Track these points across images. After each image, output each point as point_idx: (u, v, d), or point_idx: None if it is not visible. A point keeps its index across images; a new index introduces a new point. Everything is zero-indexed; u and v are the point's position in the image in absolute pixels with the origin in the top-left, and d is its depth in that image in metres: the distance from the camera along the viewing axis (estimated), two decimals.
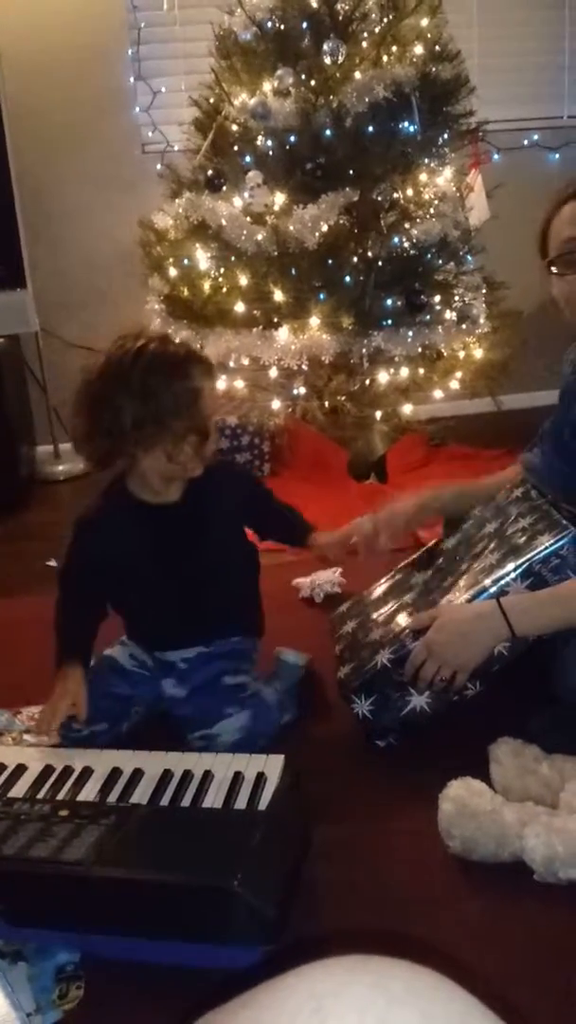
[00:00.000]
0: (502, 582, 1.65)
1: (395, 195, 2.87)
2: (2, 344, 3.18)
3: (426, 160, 2.96)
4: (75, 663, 1.74)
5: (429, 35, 2.86)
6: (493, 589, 1.65)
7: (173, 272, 3.04)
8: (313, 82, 2.81)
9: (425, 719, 1.70)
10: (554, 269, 1.74)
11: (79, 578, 1.79)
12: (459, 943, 1.31)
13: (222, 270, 2.91)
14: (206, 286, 2.95)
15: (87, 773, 1.55)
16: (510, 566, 1.66)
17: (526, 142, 3.66)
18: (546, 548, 1.63)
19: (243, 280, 2.87)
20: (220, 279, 2.92)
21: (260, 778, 1.51)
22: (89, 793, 1.49)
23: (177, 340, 1.73)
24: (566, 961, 1.28)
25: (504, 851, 1.41)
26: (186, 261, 3.00)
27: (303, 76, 2.82)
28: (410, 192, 2.94)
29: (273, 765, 1.54)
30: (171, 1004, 1.24)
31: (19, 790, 1.52)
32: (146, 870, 1.26)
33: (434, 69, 2.83)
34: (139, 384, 1.58)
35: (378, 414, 3.06)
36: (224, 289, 2.91)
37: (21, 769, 1.58)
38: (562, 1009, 1.20)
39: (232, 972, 1.23)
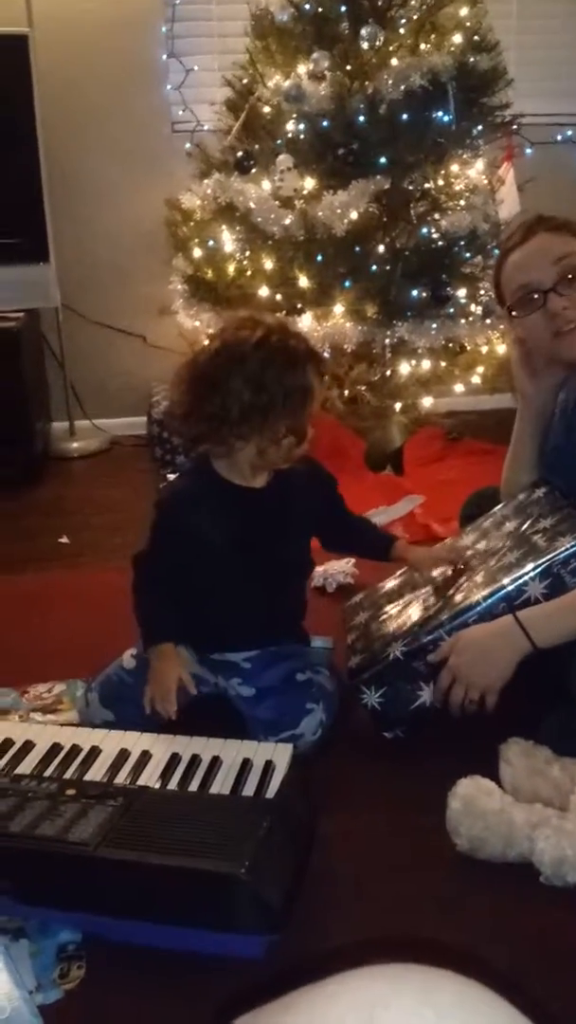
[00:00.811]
0: (520, 581, 1.63)
1: (426, 185, 2.85)
2: (22, 318, 3.16)
3: (459, 151, 2.93)
4: (168, 643, 1.69)
5: (468, 24, 2.83)
6: (511, 588, 1.63)
7: (198, 253, 3.02)
8: (349, 67, 2.78)
9: (435, 712, 1.69)
10: (515, 313, 1.82)
11: (166, 556, 1.71)
12: (465, 942, 1.30)
13: (247, 253, 2.90)
14: (230, 269, 2.93)
15: (95, 753, 1.55)
16: (529, 566, 1.64)
17: (559, 138, 3.62)
18: (567, 549, 1.62)
19: (268, 264, 2.85)
20: (245, 262, 2.91)
21: (268, 766, 1.50)
22: (97, 773, 1.49)
23: (296, 331, 1.67)
24: (573, 962, 1.27)
25: (511, 851, 1.40)
26: (211, 243, 2.98)
27: (339, 60, 2.79)
28: (441, 182, 2.91)
29: (282, 753, 1.53)
30: (172, 988, 1.24)
31: (26, 767, 1.51)
32: (153, 854, 1.25)
33: (472, 59, 2.79)
34: (255, 373, 1.54)
35: (397, 405, 3.04)
36: (248, 272, 2.90)
37: (28, 746, 1.57)
38: (572, 1010, 1.19)
39: (257, 972, 1.23)
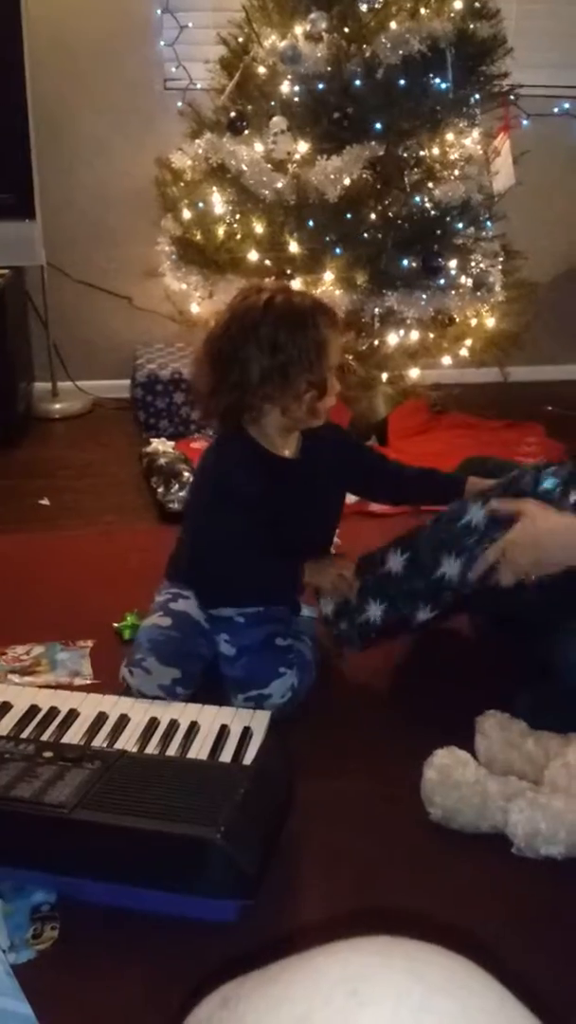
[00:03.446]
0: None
1: (421, 153, 2.81)
2: (7, 276, 3.11)
3: (455, 119, 2.88)
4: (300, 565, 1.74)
5: None
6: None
7: (187, 214, 2.97)
8: (347, 29, 2.73)
9: (377, 631, 1.77)
10: None
11: (238, 520, 1.72)
12: (436, 909, 1.32)
13: (238, 216, 2.85)
14: (220, 231, 2.88)
15: (72, 716, 1.55)
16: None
17: (556, 110, 3.57)
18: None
19: (259, 228, 2.80)
20: (235, 225, 2.86)
21: (246, 732, 1.51)
22: (74, 736, 1.49)
23: (299, 291, 1.78)
24: (546, 929, 1.29)
25: (484, 823, 1.42)
26: (201, 204, 2.93)
27: (336, 22, 2.74)
28: (436, 151, 2.87)
29: (259, 720, 1.54)
30: (145, 950, 1.25)
31: (3, 728, 1.51)
32: (129, 817, 1.25)
33: (472, 26, 2.74)
34: (268, 337, 1.61)
35: (384, 376, 3.02)
36: (238, 236, 2.85)
37: (6, 707, 1.57)
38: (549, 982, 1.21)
39: (231, 936, 1.24)
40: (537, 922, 1.32)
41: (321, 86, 2.75)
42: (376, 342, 2.90)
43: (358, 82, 2.73)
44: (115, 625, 2.00)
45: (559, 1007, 1.09)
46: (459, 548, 1.65)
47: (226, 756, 1.45)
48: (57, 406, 3.45)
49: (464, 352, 3.02)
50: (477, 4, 2.77)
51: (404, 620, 1.75)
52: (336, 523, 1.95)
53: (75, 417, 3.43)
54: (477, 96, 2.89)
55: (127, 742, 1.48)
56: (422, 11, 2.74)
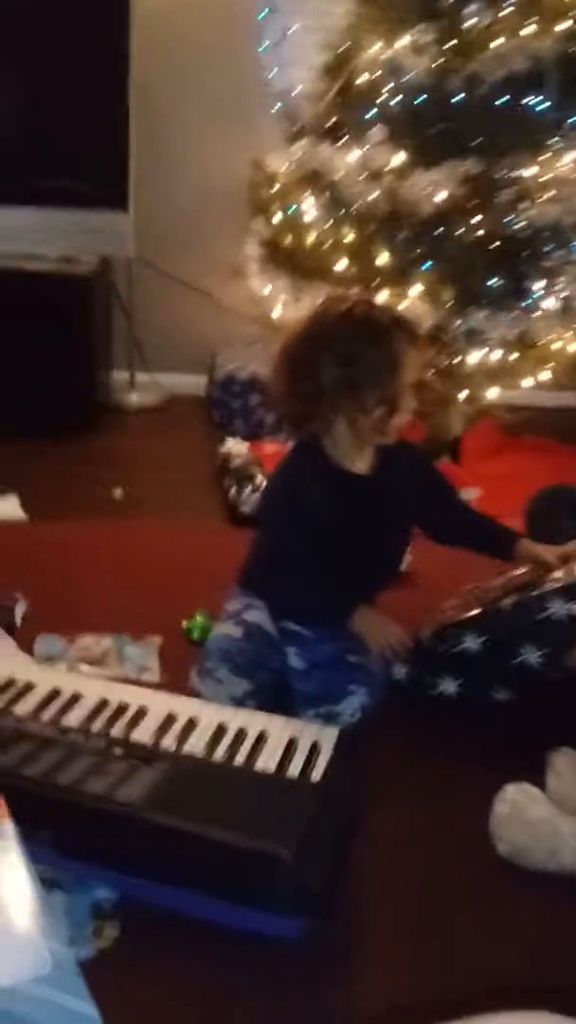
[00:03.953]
0: (543, 594, 1.64)
1: (516, 172, 2.77)
2: (96, 265, 3.14)
3: (553, 141, 2.85)
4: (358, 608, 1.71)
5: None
6: (534, 602, 1.64)
7: (278, 218, 2.98)
8: (452, 43, 2.71)
9: (454, 706, 1.72)
10: None
11: (311, 531, 1.70)
12: (501, 949, 1.30)
13: (329, 223, 2.84)
14: (310, 238, 2.88)
15: (142, 713, 1.56)
16: (561, 583, 1.65)
17: None
18: None
19: (349, 237, 2.80)
20: (325, 232, 2.85)
21: (315, 748, 1.50)
22: (143, 734, 1.50)
23: (382, 304, 1.76)
24: None
25: (553, 862, 1.39)
26: (293, 208, 2.93)
27: (442, 36, 2.72)
28: (531, 172, 2.83)
29: (328, 736, 1.54)
30: (203, 961, 1.24)
31: (74, 719, 1.52)
32: (200, 824, 1.25)
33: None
34: (342, 347, 1.59)
35: (462, 394, 2.99)
36: (328, 243, 2.85)
37: (76, 698, 1.58)
38: None
39: (290, 953, 1.23)
40: None
41: (422, 99, 2.74)
42: (457, 360, 2.88)
43: (459, 97, 2.71)
44: (184, 624, 2.00)
45: None
46: (541, 640, 1.62)
47: (294, 770, 1.45)
48: (134, 397, 3.47)
49: (545, 376, 2.98)
50: None
51: (482, 698, 1.71)
52: (406, 546, 1.92)
53: (150, 410, 3.46)
54: (574, 118, 2.86)
55: (195, 746, 1.49)
56: (527, 30, 2.71)
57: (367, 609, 1.72)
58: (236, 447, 2.86)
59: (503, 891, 1.40)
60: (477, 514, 1.93)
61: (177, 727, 1.52)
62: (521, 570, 1.95)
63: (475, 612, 1.74)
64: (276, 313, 3.06)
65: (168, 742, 1.48)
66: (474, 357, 2.86)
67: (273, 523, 1.81)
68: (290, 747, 1.49)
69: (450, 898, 1.39)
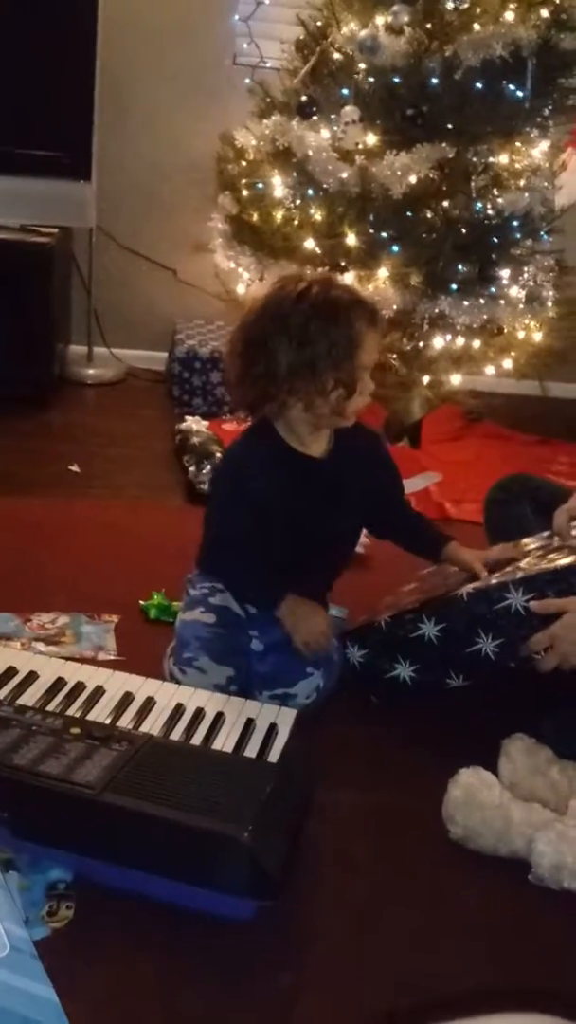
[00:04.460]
0: (504, 587, 1.64)
1: (490, 159, 2.77)
2: (56, 236, 3.08)
3: (527, 129, 2.85)
4: (289, 596, 1.69)
5: (557, 0, 2.73)
6: (494, 592, 1.65)
7: (245, 194, 2.94)
8: (429, 25, 2.69)
9: (407, 691, 1.73)
10: None
11: (248, 518, 1.69)
12: (451, 933, 1.31)
13: (297, 201, 2.82)
14: (278, 215, 2.85)
15: (99, 693, 1.53)
16: (520, 575, 1.66)
17: None
18: (555, 570, 1.62)
19: (317, 216, 2.78)
20: (294, 210, 2.83)
21: (272, 729, 1.50)
22: (100, 713, 1.48)
23: (341, 284, 1.67)
24: (557, 958, 1.29)
25: (504, 847, 1.41)
26: (261, 185, 2.90)
27: (420, 17, 2.70)
28: (504, 159, 2.84)
29: (286, 718, 1.53)
30: (158, 940, 1.24)
31: (30, 698, 1.49)
32: (157, 805, 1.24)
33: (556, 36, 2.71)
34: (299, 328, 1.55)
35: (425, 379, 2.99)
36: (296, 221, 2.82)
37: (32, 677, 1.55)
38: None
39: (245, 932, 1.22)
40: (547, 951, 1.31)
41: (397, 80, 2.72)
42: (421, 344, 2.88)
43: (435, 80, 2.70)
44: (141, 603, 1.98)
45: None
46: (497, 629, 1.63)
47: (251, 750, 1.44)
48: (91, 371, 3.42)
49: (508, 364, 3.00)
50: (564, 16, 2.73)
51: (435, 684, 1.72)
52: (360, 529, 1.92)
53: (108, 384, 3.41)
54: (551, 107, 2.86)
55: (152, 726, 1.47)
56: (507, 16, 2.70)
57: (296, 599, 1.69)
58: (196, 424, 2.83)
59: (454, 874, 1.41)
60: (414, 513, 1.92)
61: (134, 707, 1.50)
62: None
63: (433, 599, 1.75)
64: (240, 290, 3.03)
65: (126, 722, 1.46)
66: (439, 342, 2.87)
67: (215, 505, 1.79)
68: (248, 728, 1.49)
69: (402, 880, 1.40)
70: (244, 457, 1.72)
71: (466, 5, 2.65)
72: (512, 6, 2.68)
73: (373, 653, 1.76)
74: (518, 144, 2.84)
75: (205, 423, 2.89)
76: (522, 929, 1.34)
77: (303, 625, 1.67)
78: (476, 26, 2.66)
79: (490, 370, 3.02)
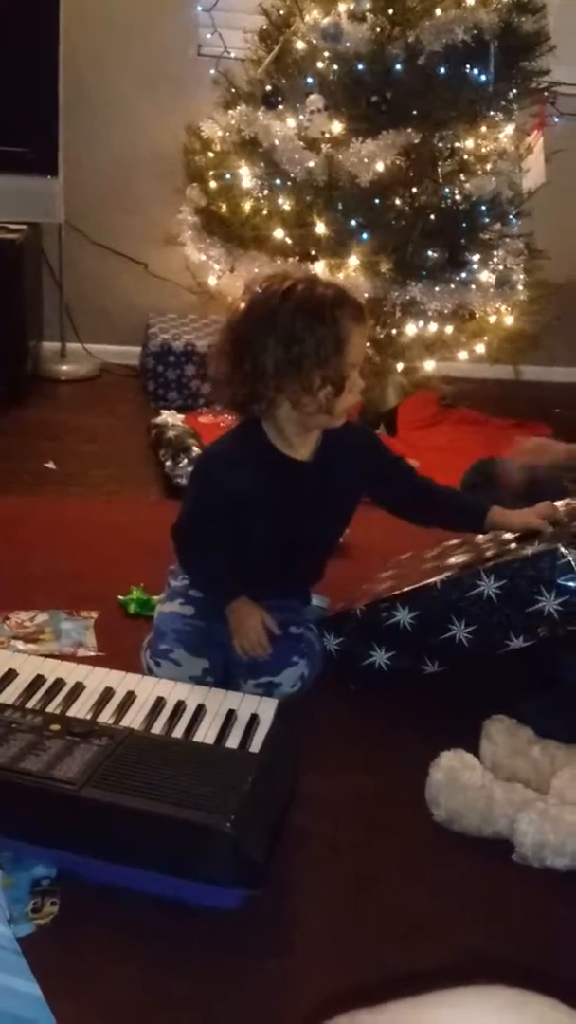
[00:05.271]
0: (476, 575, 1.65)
1: (456, 144, 2.78)
2: (25, 232, 3.06)
3: (492, 113, 2.85)
4: (241, 596, 1.69)
5: None
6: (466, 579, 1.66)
7: (213, 185, 2.93)
8: (391, 11, 2.69)
9: (384, 678, 1.74)
10: None
11: (207, 515, 1.70)
12: (436, 914, 1.32)
13: (266, 192, 2.81)
14: (246, 206, 2.85)
15: (79, 689, 1.53)
16: (490, 564, 1.67)
17: None
18: (525, 559, 1.63)
19: (286, 206, 2.77)
20: (262, 201, 2.82)
21: (253, 719, 1.50)
22: (81, 710, 1.47)
23: (326, 281, 1.67)
24: (542, 937, 1.30)
25: (487, 828, 1.42)
26: (229, 176, 2.89)
27: (382, 3, 2.70)
28: (470, 143, 2.84)
29: (267, 708, 1.54)
30: (144, 933, 1.24)
31: (8, 697, 1.49)
32: (139, 799, 1.24)
33: (517, 19, 2.71)
34: (285, 326, 1.54)
35: (399, 366, 3.00)
36: (265, 212, 2.82)
37: (11, 675, 1.55)
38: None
39: (229, 923, 1.23)
40: (531, 930, 1.32)
41: (361, 67, 2.71)
42: (394, 331, 2.88)
43: (399, 66, 2.70)
44: (120, 598, 1.98)
45: None
46: (469, 616, 1.64)
47: (232, 742, 1.44)
48: (65, 367, 3.41)
49: (481, 348, 3.01)
50: None
51: (411, 671, 1.73)
52: (342, 530, 1.89)
53: (82, 381, 3.40)
54: (515, 91, 2.87)
55: (133, 720, 1.47)
56: (468, 1, 2.71)
57: (244, 604, 1.67)
58: (171, 418, 2.83)
59: (439, 857, 1.42)
60: (445, 492, 1.84)
61: (115, 702, 1.50)
62: (454, 541, 1.98)
63: (408, 587, 1.75)
64: (211, 282, 3.03)
65: (106, 717, 1.46)
66: (411, 329, 2.87)
67: (187, 499, 1.78)
68: (229, 719, 1.49)
69: (387, 865, 1.40)
70: (223, 456, 1.72)
71: None
72: None
73: (349, 641, 1.77)
74: (484, 128, 2.85)
75: (181, 417, 2.88)
76: (508, 909, 1.35)
77: (242, 630, 1.66)
78: (438, 11, 2.67)
79: (463, 355, 3.03)
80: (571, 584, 1.57)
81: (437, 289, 2.76)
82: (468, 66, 2.72)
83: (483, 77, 2.73)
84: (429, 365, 3.02)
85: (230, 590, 1.69)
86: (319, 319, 1.55)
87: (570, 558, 1.57)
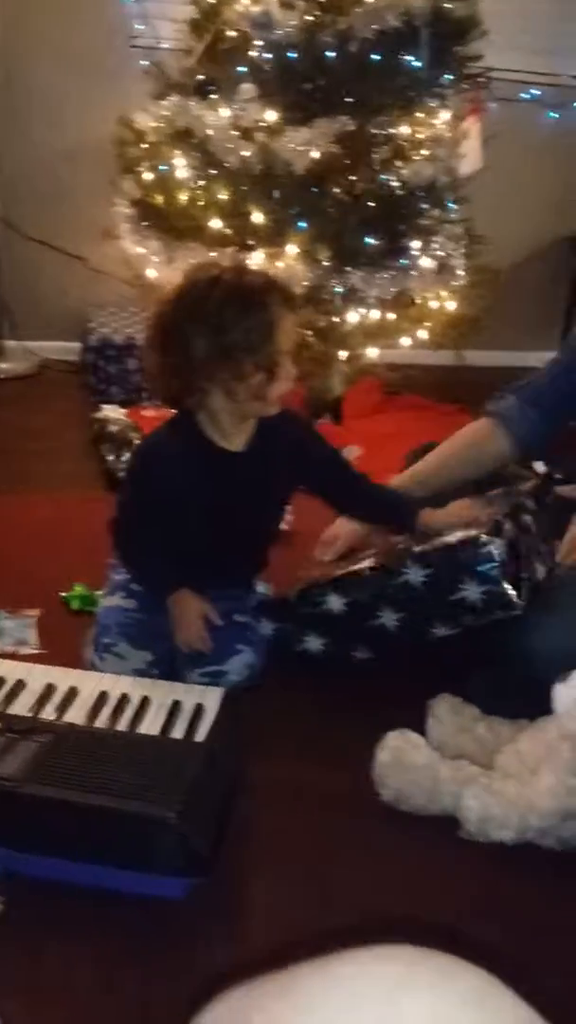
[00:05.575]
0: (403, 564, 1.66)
1: (391, 130, 2.78)
2: None
3: (426, 99, 2.86)
4: (181, 588, 1.66)
5: None
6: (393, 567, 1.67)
7: (148, 177, 2.90)
8: None
9: (319, 663, 1.76)
10: None
11: (151, 509, 1.68)
12: (383, 893, 1.32)
13: (201, 182, 2.79)
14: (182, 196, 2.82)
15: (20, 687, 1.51)
16: (416, 550, 1.68)
17: (525, 96, 3.57)
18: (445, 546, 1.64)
19: (222, 196, 2.75)
20: (198, 191, 2.80)
21: (199, 709, 1.49)
22: (22, 707, 1.45)
23: (253, 269, 1.67)
24: (490, 911, 1.31)
25: (434, 805, 1.43)
26: (163, 167, 2.86)
27: None
28: (406, 130, 2.84)
29: (212, 697, 1.53)
30: (92, 928, 1.23)
31: None
32: (82, 793, 1.23)
33: (448, 5, 2.72)
34: (214, 314, 1.52)
35: (342, 354, 3.00)
36: (201, 202, 2.79)
37: None
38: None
39: (177, 912, 1.22)
40: (484, 903, 1.33)
41: (293, 55, 2.70)
42: (336, 319, 2.88)
43: (331, 53, 2.69)
44: (62, 595, 1.96)
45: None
46: (396, 604, 1.64)
47: (178, 732, 1.43)
48: (3, 366, 3.36)
49: (423, 334, 3.01)
50: None
51: (344, 656, 1.74)
52: (281, 516, 1.89)
53: (21, 378, 3.35)
54: (449, 76, 2.88)
55: (76, 715, 1.45)
56: None
57: (184, 596, 1.66)
58: (113, 413, 2.80)
59: (387, 837, 1.42)
60: (378, 490, 1.84)
61: (57, 698, 1.49)
62: None
63: (339, 573, 1.75)
64: (150, 274, 3.00)
65: (48, 714, 1.44)
66: (353, 316, 2.87)
67: (122, 492, 1.77)
68: (174, 710, 1.48)
69: (337, 849, 1.40)
70: (158, 449, 1.70)
71: None
72: None
73: (284, 626, 1.78)
74: (419, 114, 2.85)
75: (123, 411, 2.85)
76: (457, 886, 1.36)
77: (182, 622, 1.65)
78: None
79: (406, 341, 3.03)
80: (493, 573, 1.57)
81: (377, 276, 2.77)
82: (401, 52, 2.72)
83: (416, 63, 2.73)
84: (372, 352, 3.02)
85: (169, 582, 1.68)
86: (248, 306, 1.54)
87: (491, 547, 1.57)
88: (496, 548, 1.57)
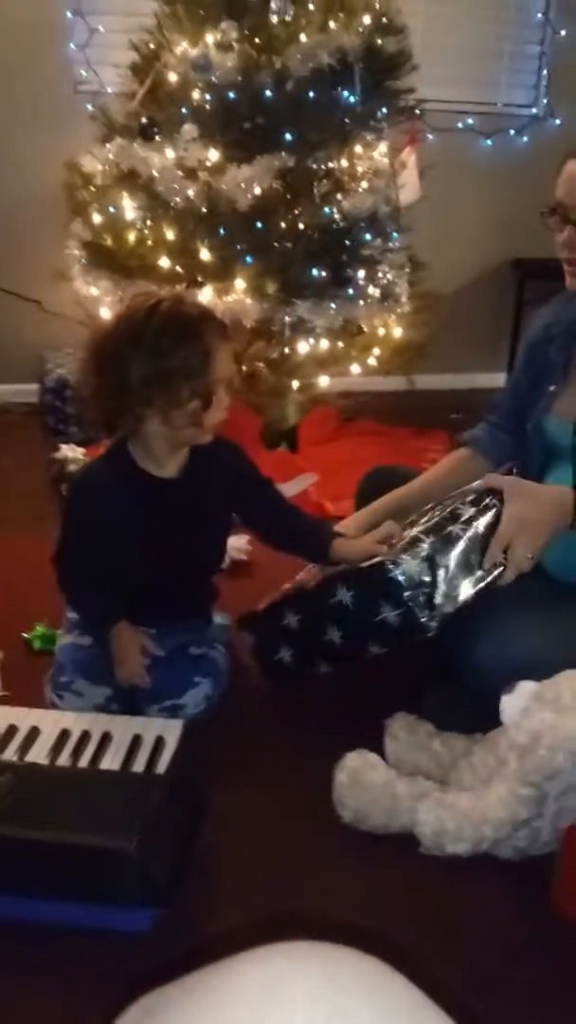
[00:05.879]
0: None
1: (330, 164, 2.85)
2: None
3: (363, 133, 2.94)
4: (121, 622, 1.69)
5: (377, 6, 2.84)
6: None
7: (97, 219, 2.96)
8: (257, 40, 2.76)
9: (292, 674, 1.79)
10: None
11: (82, 542, 1.70)
12: (349, 911, 1.35)
13: (149, 222, 2.84)
14: (131, 237, 2.87)
15: None
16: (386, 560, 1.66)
17: (460, 125, 3.67)
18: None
19: (170, 235, 2.81)
20: (146, 231, 2.85)
21: (159, 742, 1.52)
22: None
23: (191, 300, 1.69)
24: (462, 927, 1.34)
25: (394, 823, 1.45)
26: (112, 209, 2.91)
27: (247, 32, 2.76)
28: (345, 163, 2.92)
29: (172, 729, 1.56)
30: (58, 965, 1.24)
31: None
32: (42, 830, 1.25)
33: (379, 41, 2.80)
34: (150, 342, 1.54)
35: (295, 384, 3.05)
36: (149, 242, 2.85)
37: None
38: (465, 973, 1.24)
39: (143, 945, 1.24)
40: (443, 919, 1.36)
41: (232, 95, 2.77)
42: (286, 350, 2.93)
43: (268, 93, 2.76)
44: (24, 635, 1.98)
45: (465, 1002, 1.13)
46: (336, 622, 1.66)
47: (139, 766, 1.46)
48: None
49: (372, 361, 3.08)
50: (384, 20, 2.83)
51: (310, 669, 1.76)
52: (222, 546, 1.89)
53: None
54: (384, 110, 2.96)
55: (38, 754, 1.48)
56: (331, 25, 2.79)
57: (123, 631, 1.69)
58: (71, 452, 2.82)
59: (349, 859, 1.45)
60: (297, 519, 1.82)
61: (18, 739, 1.51)
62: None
63: (290, 590, 1.81)
64: (103, 314, 3.04)
65: (9, 755, 1.46)
66: (303, 347, 2.93)
67: (61, 526, 1.77)
68: (135, 744, 1.50)
69: (300, 874, 1.43)
70: (91, 478, 1.73)
71: (290, 17, 2.72)
72: (335, 15, 2.77)
73: (258, 640, 1.84)
74: (357, 148, 2.93)
75: (81, 450, 2.88)
76: (416, 901, 1.38)
77: (120, 657, 1.67)
78: (303, 36, 2.74)
79: (356, 369, 3.09)
80: (404, 595, 1.54)
81: (324, 307, 2.83)
82: (336, 88, 2.80)
83: (351, 98, 2.81)
84: (324, 381, 3.08)
85: (109, 616, 1.70)
86: (186, 334, 1.57)
87: (395, 573, 1.54)
88: (402, 574, 1.54)
